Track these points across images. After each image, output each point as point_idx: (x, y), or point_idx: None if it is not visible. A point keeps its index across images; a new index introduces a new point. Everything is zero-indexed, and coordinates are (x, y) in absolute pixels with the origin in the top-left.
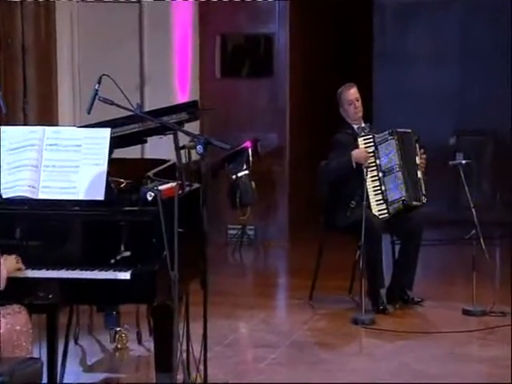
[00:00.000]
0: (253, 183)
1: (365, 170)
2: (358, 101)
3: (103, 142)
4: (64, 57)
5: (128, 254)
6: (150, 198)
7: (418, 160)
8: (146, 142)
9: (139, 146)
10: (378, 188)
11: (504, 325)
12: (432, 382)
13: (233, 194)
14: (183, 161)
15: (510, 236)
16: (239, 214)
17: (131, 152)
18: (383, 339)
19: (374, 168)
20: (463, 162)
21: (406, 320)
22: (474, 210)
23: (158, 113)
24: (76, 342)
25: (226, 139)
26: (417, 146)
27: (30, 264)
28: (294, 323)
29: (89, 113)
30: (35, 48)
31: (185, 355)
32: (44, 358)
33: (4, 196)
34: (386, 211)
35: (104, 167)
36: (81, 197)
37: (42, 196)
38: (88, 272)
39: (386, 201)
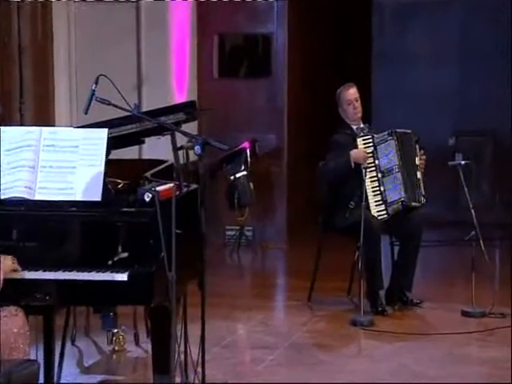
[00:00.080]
0: (251, 184)
1: (364, 170)
2: (357, 101)
3: (100, 143)
4: (61, 57)
5: (125, 255)
6: (147, 199)
7: (417, 161)
8: (143, 142)
9: (137, 147)
10: (377, 189)
11: (503, 326)
12: (431, 383)
13: (231, 194)
14: (181, 161)
15: (509, 237)
16: (237, 215)
17: (129, 153)
18: (382, 341)
19: (373, 168)
20: (462, 162)
21: (405, 321)
22: (473, 211)
23: (155, 113)
24: (73, 344)
25: (224, 140)
26: (417, 146)
27: (27, 265)
28: (292, 325)
29: (86, 113)
30: (32, 48)
31: (182, 357)
32: (41, 360)
33: (3, 197)
34: (385, 212)
35: (101, 168)
36: (78, 198)
37: (38, 197)
38: (85, 273)
39: (385, 201)
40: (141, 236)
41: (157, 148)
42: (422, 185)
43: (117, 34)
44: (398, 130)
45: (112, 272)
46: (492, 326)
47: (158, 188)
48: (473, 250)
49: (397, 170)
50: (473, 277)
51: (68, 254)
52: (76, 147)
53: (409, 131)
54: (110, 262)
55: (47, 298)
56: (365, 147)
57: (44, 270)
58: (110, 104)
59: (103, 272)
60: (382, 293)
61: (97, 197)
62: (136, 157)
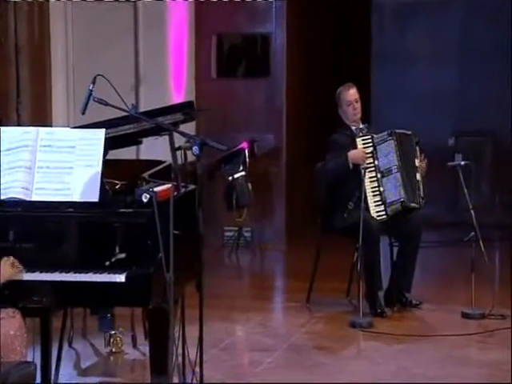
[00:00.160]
0: (249, 184)
1: (363, 170)
2: (357, 102)
3: (98, 143)
4: (58, 56)
5: (123, 256)
6: (145, 200)
7: (417, 162)
8: (141, 142)
9: (134, 147)
10: (377, 189)
11: (503, 328)
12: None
13: (229, 195)
14: (179, 162)
15: (509, 238)
16: (235, 216)
17: (126, 153)
18: (381, 342)
19: (373, 169)
20: (462, 163)
21: (404, 323)
22: (473, 212)
23: (153, 113)
24: (70, 346)
25: (222, 140)
26: (417, 148)
27: (24, 267)
28: (291, 326)
29: (83, 113)
30: (29, 48)
31: (180, 359)
32: (38, 362)
33: (3, 197)
34: (384, 213)
35: (98, 168)
36: (75, 198)
37: (35, 198)
38: (82, 274)
39: (384, 202)
40: (138, 237)
41: (154, 148)
42: (421, 187)
43: (114, 33)
44: (397, 131)
45: (109, 273)
46: (492, 327)
47: (155, 189)
48: (472, 251)
49: (396, 171)
50: (472, 278)
51: (65, 256)
52: (73, 147)
53: (409, 132)
54: (107, 263)
55: (44, 299)
56: (364, 147)
57: (41, 272)
58: (107, 104)
59: (101, 273)
60: (381, 294)
61: (94, 197)
62: (134, 157)
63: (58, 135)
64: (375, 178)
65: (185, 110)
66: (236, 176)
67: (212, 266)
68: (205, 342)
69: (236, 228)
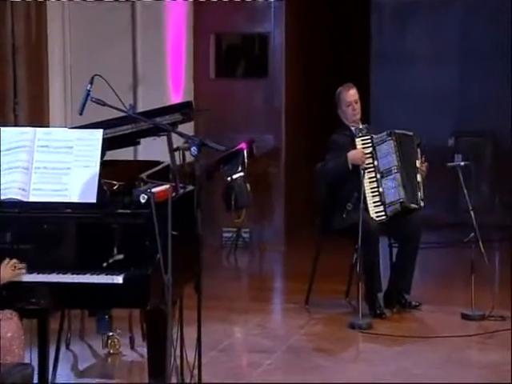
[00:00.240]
0: (248, 185)
1: (362, 171)
2: (356, 103)
3: (95, 144)
4: (55, 57)
5: (121, 257)
6: (143, 201)
7: (418, 163)
8: (139, 143)
9: (132, 148)
10: (376, 190)
11: (503, 329)
12: None
13: (228, 196)
14: (177, 162)
15: (509, 239)
16: (234, 217)
17: (124, 154)
18: (380, 344)
19: (372, 169)
20: (462, 163)
21: (404, 324)
22: (472, 213)
23: (151, 114)
24: (67, 347)
25: (220, 140)
26: (418, 150)
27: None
28: (289, 328)
29: (81, 114)
30: (26, 48)
31: (178, 360)
32: (35, 364)
33: (2, 197)
34: (383, 213)
35: (96, 169)
36: (73, 199)
37: (32, 199)
38: (80, 276)
39: (383, 203)
40: (136, 238)
41: (152, 149)
42: (421, 187)
43: (112, 33)
44: (397, 131)
45: (107, 274)
46: (492, 328)
47: (153, 189)
48: (472, 252)
49: (395, 171)
50: (472, 279)
51: (63, 257)
52: (70, 148)
53: (411, 133)
54: (105, 265)
55: (41, 301)
56: (364, 147)
57: (38, 273)
58: (105, 104)
59: (98, 274)
60: (380, 295)
61: (92, 198)
62: (131, 158)
63: (56, 135)
64: (374, 179)
65: (183, 110)
66: (235, 177)
67: (210, 267)
68: (203, 344)
69: (235, 229)
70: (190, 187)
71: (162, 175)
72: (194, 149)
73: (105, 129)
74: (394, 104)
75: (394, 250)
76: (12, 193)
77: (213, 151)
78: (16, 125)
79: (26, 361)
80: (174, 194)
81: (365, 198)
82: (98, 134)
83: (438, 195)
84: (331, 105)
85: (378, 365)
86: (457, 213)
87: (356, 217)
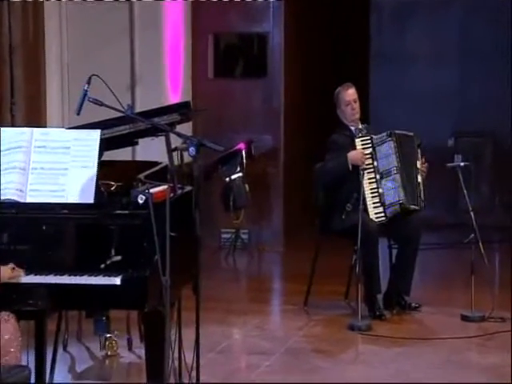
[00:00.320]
0: (246, 186)
1: (362, 172)
2: (355, 102)
3: (93, 144)
4: (52, 56)
5: (118, 258)
6: (141, 201)
7: (418, 164)
8: (137, 143)
9: (130, 148)
10: (375, 190)
11: (503, 330)
12: None
13: (226, 196)
14: (175, 163)
15: (509, 240)
16: (233, 218)
17: (122, 154)
18: (380, 346)
19: (372, 170)
20: (462, 164)
21: (404, 326)
22: (472, 214)
23: (149, 114)
24: (65, 349)
25: (219, 141)
26: (418, 150)
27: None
28: (288, 329)
29: (78, 114)
30: (23, 47)
31: (177, 362)
32: (32, 366)
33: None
34: (383, 214)
35: (94, 170)
36: (70, 200)
37: (29, 199)
38: (77, 277)
39: (383, 204)
40: (134, 239)
41: (150, 149)
42: (422, 189)
43: (110, 33)
44: (397, 132)
45: (105, 276)
46: (492, 330)
47: (151, 190)
48: (472, 253)
49: (395, 172)
50: (472, 280)
51: (60, 258)
52: (68, 148)
53: (411, 134)
54: (102, 266)
55: (39, 302)
56: (363, 148)
57: (36, 274)
58: (102, 104)
59: (96, 276)
60: (379, 297)
61: (89, 199)
62: (129, 158)
63: (53, 136)
64: (374, 180)
65: (181, 110)
66: (233, 177)
67: (209, 269)
68: (201, 346)
69: (233, 230)
70: (188, 188)
71: (160, 176)
72: (192, 149)
73: (102, 129)
74: (393, 104)
75: (394, 251)
76: (9, 194)
77: (211, 151)
78: (13, 125)
79: (23, 363)
80: (172, 195)
81: (364, 198)
82: (95, 135)
83: (437, 196)
84: (330, 105)
85: (378, 367)
86: (457, 213)
87: (355, 218)
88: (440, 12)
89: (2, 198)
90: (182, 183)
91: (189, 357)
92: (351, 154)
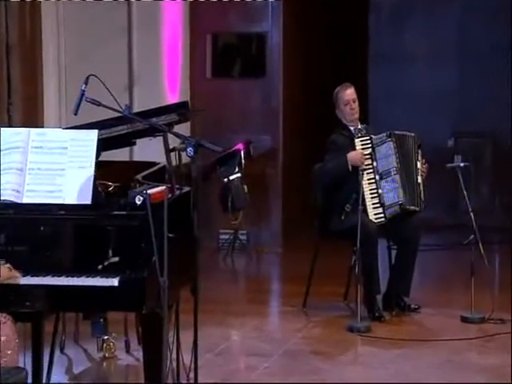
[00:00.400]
0: (245, 187)
1: (361, 172)
2: (354, 102)
3: (90, 145)
4: (50, 56)
5: (116, 259)
6: (138, 202)
7: (419, 165)
8: (134, 144)
9: (128, 149)
10: (375, 191)
11: (503, 332)
12: None
13: (224, 197)
14: (173, 163)
15: (509, 241)
16: (231, 219)
17: (119, 154)
18: (379, 347)
19: (371, 170)
20: (461, 164)
21: (403, 327)
22: (472, 215)
23: (147, 114)
24: (62, 351)
25: (217, 141)
26: (419, 151)
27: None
28: (287, 331)
29: (75, 114)
30: (20, 47)
31: (175, 364)
32: (29, 368)
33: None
34: (382, 215)
35: (91, 170)
36: (67, 201)
37: (26, 200)
38: (75, 278)
39: (382, 204)
40: (132, 240)
41: (148, 150)
42: (421, 190)
43: (107, 33)
44: (397, 132)
45: (102, 277)
46: (491, 331)
47: (149, 191)
48: (472, 255)
49: (395, 173)
50: (472, 281)
51: (57, 259)
52: (65, 149)
53: (412, 134)
54: (100, 267)
55: (36, 304)
56: (363, 148)
57: (32, 276)
58: (100, 105)
59: (93, 277)
60: (379, 298)
61: (87, 200)
62: (127, 159)
63: (50, 136)
64: (373, 180)
65: (179, 110)
66: (231, 178)
67: (207, 270)
68: (199, 347)
69: (231, 231)
70: (187, 188)
71: (158, 176)
72: (190, 149)
73: (100, 129)
74: (392, 104)
75: (393, 252)
76: (6, 194)
77: (209, 152)
78: (10, 125)
79: (20, 365)
80: (169, 196)
81: (363, 199)
82: (92, 135)
83: (437, 197)
84: (329, 105)
85: (377, 368)
86: (456, 214)
87: (355, 218)
88: (438, 12)
89: (3, 198)
90: (179, 184)
91: (187, 358)
92: (351, 155)
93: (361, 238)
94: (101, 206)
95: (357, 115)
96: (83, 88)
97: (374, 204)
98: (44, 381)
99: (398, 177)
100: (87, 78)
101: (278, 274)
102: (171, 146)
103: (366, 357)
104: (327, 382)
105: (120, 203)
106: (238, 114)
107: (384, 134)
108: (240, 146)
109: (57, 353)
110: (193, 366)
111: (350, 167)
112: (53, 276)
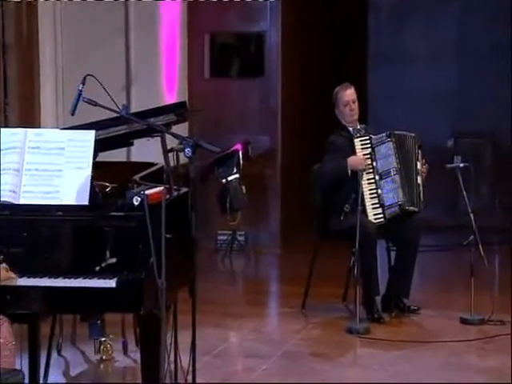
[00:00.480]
0: (243, 187)
1: (360, 172)
2: (354, 103)
3: (87, 145)
4: (46, 56)
5: (113, 260)
6: (136, 203)
7: (419, 165)
8: (132, 144)
9: (125, 149)
10: (374, 191)
11: (503, 334)
12: None
13: (223, 198)
14: (171, 164)
15: (509, 242)
16: (229, 220)
17: (117, 155)
18: (378, 349)
19: (371, 171)
20: (461, 165)
21: (402, 329)
22: (472, 215)
23: (144, 114)
24: (59, 353)
25: (215, 141)
26: (419, 152)
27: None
28: (286, 332)
29: (73, 114)
30: (16, 47)
31: (172, 366)
32: (26, 370)
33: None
34: (381, 216)
35: (88, 171)
36: (64, 202)
37: (23, 201)
38: (72, 280)
39: (382, 205)
40: (129, 241)
41: (146, 150)
42: (421, 191)
43: (105, 32)
44: (396, 132)
45: (100, 279)
46: (491, 333)
47: (147, 191)
48: (472, 256)
49: (394, 173)
50: (472, 283)
51: (54, 260)
52: (62, 149)
53: (412, 134)
54: (97, 269)
55: (33, 305)
56: (362, 148)
57: (29, 277)
58: (97, 105)
59: (90, 279)
60: (378, 299)
61: (84, 201)
62: (124, 159)
63: (47, 137)
64: (373, 180)
65: (177, 110)
66: (230, 178)
67: (205, 271)
68: (197, 349)
69: (230, 232)
70: (184, 189)
71: (156, 177)
72: (188, 150)
73: (97, 130)
74: (391, 104)
75: (392, 253)
76: (5, 195)
77: (207, 152)
78: (6, 126)
79: (17, 367)
80: (167, 197)
81: (363, 199)
82: (90, 135)
83: (436, 197)
84: (328, 105)
85: (376, 370)
86: (456, 215)
87: (354, 219)
88: (438, 12)
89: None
90: (177, 184)
91: (185, 360)
92: (351, 160)
93: (360, 239)
94: (98, 206)
95: (356, 116)
96: (80, 88)
97: (373, 204)
98: (41, 383)
99: (397, 177)
100: (84, 77)
101: (277, 275)
102: (169, 147)
103: (365, 358)
104: (326, 383)
105: (117, 204)
106: (236, 114)
107: (384, 134)
108: (238, 146)
109: (54, 355)
110: (191, 367)
111: (350, 172)
112: (50, 277)
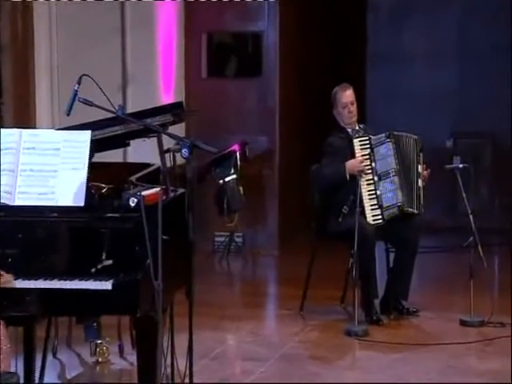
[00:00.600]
0: (241, 188)
1: (358, 175)
2: (352, 104)
3: (83, 146)
4: (42, 56)
5: (110, 262)
6: (132, 204)
7: (420, 168)
8: (128, 145)
9: (121, 150)
10: (373, 192)
11: (503, 336)
12: None
13: (220, 199)
14: (168, 165)
15: (508, 243)
16: (227, 221)
17: (113, 156)
18: (377, 351)
19: (370, 171)
20: (460, 165)
21: (401, 331)
22: (471, 216)
23: (141, 114)
24: (54, 356)
25: (212, 142)
26: (421, 154)
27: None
28: (283, 335)
29: (68, 114)
30: (12, 47)
31: (169, 369)
32: (21, 372)
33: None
34: (380, 217)
35: (84, 172)
36: (60, 203)
37: (18, 202)
38: (67, 282)
39: (380, 206)
40: (126, 243)
41: (142, 151)
42: (421, 193)
43: (101, 32)
44: (396, 133)
45: (96, 280)
46: (491, 335)
47: (143, 192)
48: (471, 257)
49: (394, 174)
50: (471, 284)
51: (50, 262)
52: (58, 150)
53: (414, 136)
54: (93, 270)
55: (28, 308)
56: (361, 148)
57: (24, 279)
58: (93, 105)
59: (86, 280)
60: (376, 301)
61: (80, 202)
62: (121, 160)
63: (42, 137)
64: (372, 181)
65: (174, 110)
66: (227, 179)
67: (202, 273)
68: (195, 352)
69: (227, 233)
70: (181, 190)
71: (152, 178)
72: (185, 151)
73: (93, 130)
74: (390, 105)
75: (391, 255)
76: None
77: (204, 153)
78: (1, 126)
79: (12, 369)
80: (164, 198)
81: (361, 201)
82: (85, 136)
83: (436, 198)
84: (327, 105)
85: (375, 372)
86: (455, 216)
87: (352, 221)
88: (438, 12)
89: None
90: (174, 185)
91: (182, 363)
92: (349, 164)
93: (358, 241)
94: (94, 208)
95: (355, 118)
96: (76, 88)
97: (372, 205)
98: None
99: (396, 178)
100: (80, 77)
101: (275, 276)
102: (166, 147)
103: (364, 361)
104: None
105: (114, 205)
106: (233, 114)
107: (383, 135)
108: (236, 147)
109: (49, 357)
110: (187, 370)
111: (348, 176)
112: (45, 279)
